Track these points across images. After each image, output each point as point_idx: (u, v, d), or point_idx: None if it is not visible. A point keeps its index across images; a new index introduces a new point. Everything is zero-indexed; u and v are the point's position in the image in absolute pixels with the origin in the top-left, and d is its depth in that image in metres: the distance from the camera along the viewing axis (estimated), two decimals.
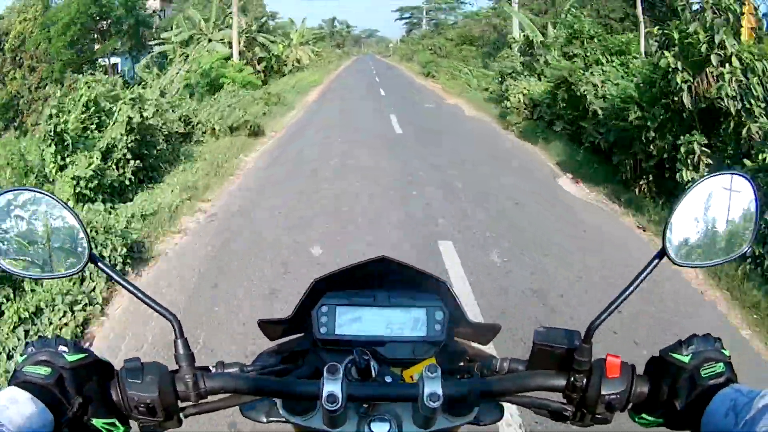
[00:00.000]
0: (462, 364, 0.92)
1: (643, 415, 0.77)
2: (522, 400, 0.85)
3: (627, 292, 0.78)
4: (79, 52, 22.91)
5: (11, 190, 0.79)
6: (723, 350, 0.75)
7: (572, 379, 0.77)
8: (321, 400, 0.69)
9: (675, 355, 0.75)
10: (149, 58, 20.38)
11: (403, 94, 20.57)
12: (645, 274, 0.78)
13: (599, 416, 0.78)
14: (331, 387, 0.69)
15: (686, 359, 0.74)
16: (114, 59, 25.40)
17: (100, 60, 23.98)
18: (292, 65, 26.59)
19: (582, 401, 0.78)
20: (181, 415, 0.78)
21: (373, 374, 0.81)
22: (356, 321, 0.92)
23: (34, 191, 0.79)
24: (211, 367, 0.83)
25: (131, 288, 0.77)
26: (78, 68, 18.50)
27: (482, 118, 14.24)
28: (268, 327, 0.97)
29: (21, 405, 0.63)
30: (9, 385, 0.67)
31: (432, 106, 16.99)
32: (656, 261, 0.79)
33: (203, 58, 16.18)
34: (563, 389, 0.79)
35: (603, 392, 0.75)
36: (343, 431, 0.78)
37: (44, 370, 0.68)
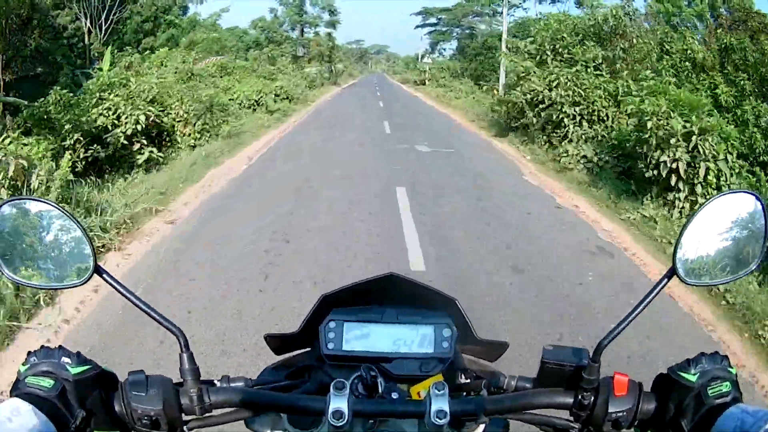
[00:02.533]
0: (469, 380, 0.91)
1: None
2: (529, 418, 0.84)
3: (636, 312, 0.78)
4: None
5: (17, 199, 0.79)
6: (730, 369, 0.75)
7: (580, 397, 0.77)
8: (327, 416, 0.69)
9: (682, 374, 0.74)
10: None
11: None
12: (654, 293, 0.78)
13: None
14: (338, 403, 0.69)
15: (693, 378, 0.74)
16: None
17: None
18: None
19: (589, 419, 0.77)
20: (185, 428, 0.78)
21: (380, 390, 0.80)
22: (364, 337, 0.92)
23: (41, 201, 0.79)
24: (216, 381, 0.83)
25: (137, 302, 0.77)
26: None
27: None
28: (274, 341, 0.97)
29: (24, 417, 0.62)
30: (11, 395, 0.66)
31: None
32: (666, 280, 0.79)
33: None
34: (570, 407, 0.79)
35: (610, 410, 0.75)
36: None
37: (47, 382, 0.67)
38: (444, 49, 50.07)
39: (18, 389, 0.67)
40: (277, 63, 28.48)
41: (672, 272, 0.79)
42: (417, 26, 51.69)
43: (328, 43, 43.12)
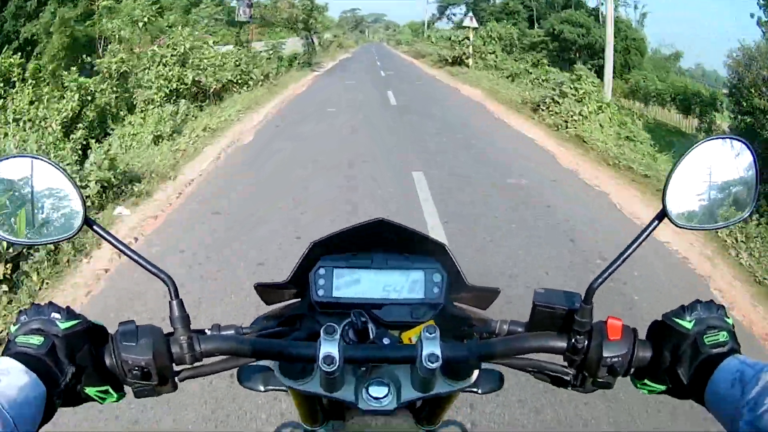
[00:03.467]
0: (461, 328, 0.91)
1: (646, 381, 0.77)
2: (522, 364, 0.84)
3: (626, 254, 0.77)
4: None
5: (5, 158, 0.78)
6: (726, 318, 0.75)
7: (573, 340, 0.76)
8: (318, 361, 0.69)
9: (677, 320, 0.74)
10: None
11: None
12: (645, 235, 0.78)
13: (601, 380, 0.77)
14: (328, 348, 0.69)
15: (689, 325, 0.73)
16: None
17: None
18: None
19: (583, 364, 0.77)
20: (176, 378, 0.78)
21: (371, 336, 0.80)
22: (354, 283, 0.92)
23: (27, 156, 0.78)
24: (206, 330, 0.83)
25: (126, 250, 0.77)
26: None
27: None
28: (264, 291, 0.97)
29: (13, 376, 0.62)
30: (3, 355, 0.66)
31: None
32: (656, 222, 0.79)
33: None
34: (564, 351, 0.78)
35: (605, 354, 0.74)
36: (341, 395, 0.78)
37: (37, 340, 0.67)
38: (454, 14, 41.34)
39: (8, 349, 0.67)
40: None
41: (663, 214, 0.78)
42: None
43: (304, 2, 27.03)
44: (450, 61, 24.20)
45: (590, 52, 28.05)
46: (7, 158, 0.78)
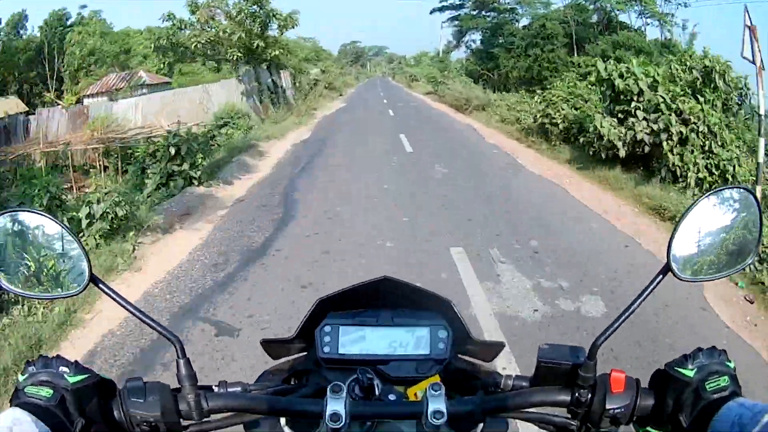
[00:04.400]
0: (466, 381, 0.92)
1: (648, 429, 0.77)
2: (526, 416, 0.84)
3: (630, 310, 0.78)
4: None
5: (12, 211, 0.79)
6: (727, 363, 0.75)
7: (577, 394, 0.77)
8: (325, 419, 0.69)
9: (680, 370, 0.75)
10: None
11: None
12: (649, 290, 0.79)
13: (604, 430, 0.78)
14: (335, 406, 0.69)
15: (691, 373, 0.74)
16: None
17: None
18: None
19: (587, 416, 0.78)
20: None
21: (377, 393, 0.81)
22: (360, 340, 0.92)
23: (35, 213, 0.79)
24: (214, 387, 0.83)
25: (134, 310, 0.77)
26: None
27: None
28: (271, 346, 0.97)
29: (24, 427, 0.63)
30: (11, 405, 0.67)
31: None
32: (660, 277, 0.80)
33: None
34: (568, 405, 0.79)
35: (608, 406, 0.75)
36: None
37: (46, 392, 0.68)
38: (473, 41, 33.23)
39: (18, 399, 0.68)
40: None
41: (667, 269, 0.79)
42: (433, 10, 33.72)
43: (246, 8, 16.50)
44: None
45: None
46: (11, 211, 0.79)
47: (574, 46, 25.23)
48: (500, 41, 27.46)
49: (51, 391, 0.68)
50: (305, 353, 0.98)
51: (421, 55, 55.76)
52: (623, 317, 0.77)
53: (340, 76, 38.71)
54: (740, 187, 0.83)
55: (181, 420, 0.77)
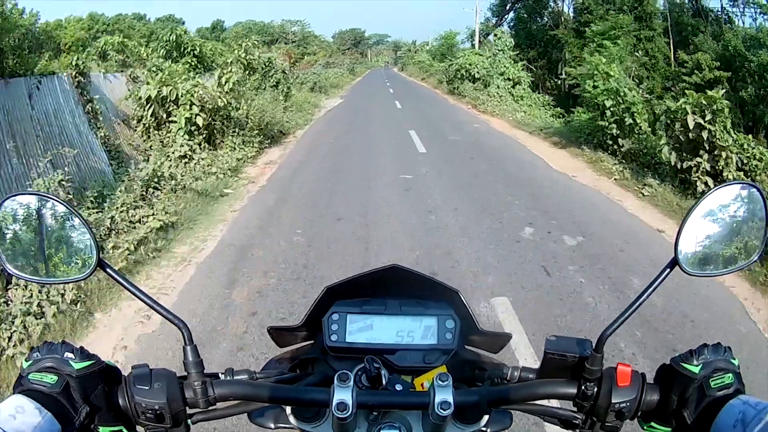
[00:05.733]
0: (473, 372, 0.92)
1: (653, 424, 0.78)
2: (532, 408, 0.85)
3: (637, 303, 0.78)
4: None
5: (19, 194, 0.78)
6: (732, 360, 0.76)
7: (583, 387, 0.77)
8: (331, 407, 0.69)
9: (685, 365, 0.75)
10: None
11: None
12: (655, 284, 0.79)
13: (609, 424, 0.78)
14: (342, 395, 0.69)
15: (696, 369, 0.74)
16: None
17: None
18: None
19: (592, 409, 0.78)
20: (189, 421, 0.78)
21: (384, 382, 0.81)
22: (367, 329, 0.92)
23: (43, 196, 0.79)
24: (220, 374, 0.83)
25: (141, 295, 0.77)
26: None
27: None
28: (277, 334, 0.97)
29: (28, 414, 0.62)
30: (14, 392, 0.66)
31: None
32: (668, 271, 0.80)
33: None
34: (574, 397, 0.79)
35: (613, 400, 0.76)
36: None
37: (50, 378, 0.67)
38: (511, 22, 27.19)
39: (21, 385, 0.67)
40: None
41: (674, 263, 0.79)
42: None
43: None
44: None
45: None
46: (19, 195, 0.78)
47: (670, 35, 20.11)
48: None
49: (55, 378, 0.67)
50: (312, 342, 0.98)
51: (448, 36, 37.14)
52: (630, 310, 0.77)
53: (328, 68, 29.53)
54: (747, 183, 0.83)
55: (187, 408, 0.76)
